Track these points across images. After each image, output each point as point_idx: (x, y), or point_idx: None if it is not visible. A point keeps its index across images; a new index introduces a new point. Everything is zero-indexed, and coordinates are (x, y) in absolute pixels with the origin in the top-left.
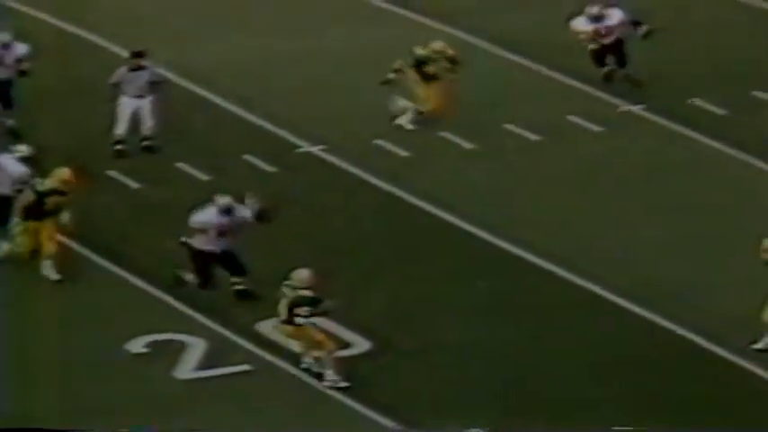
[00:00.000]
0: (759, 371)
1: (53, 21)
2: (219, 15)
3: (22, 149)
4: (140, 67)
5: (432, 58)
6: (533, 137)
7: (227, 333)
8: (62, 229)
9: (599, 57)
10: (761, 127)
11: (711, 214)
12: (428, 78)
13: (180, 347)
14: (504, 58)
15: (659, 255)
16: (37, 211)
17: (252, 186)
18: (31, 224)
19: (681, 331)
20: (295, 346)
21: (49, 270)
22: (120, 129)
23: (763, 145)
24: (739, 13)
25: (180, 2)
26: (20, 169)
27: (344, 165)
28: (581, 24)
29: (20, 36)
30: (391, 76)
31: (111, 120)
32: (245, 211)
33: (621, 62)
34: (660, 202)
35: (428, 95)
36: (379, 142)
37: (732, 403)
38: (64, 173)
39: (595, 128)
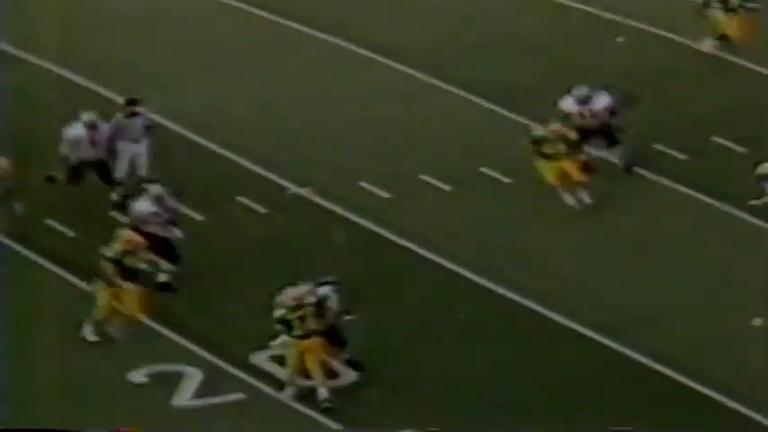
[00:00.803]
0: (713, 393)
1: (49, 66)
2: (208, 63)
3: (156, 189)
4: (135, 114)
5: (548, 138)
6: (506, 179)
7: (222, 364)
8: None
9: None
10: (719, 170)
11: (672, 250)
12: (547, 157)
13: (178, 377)
14: (476, 104)
15: (623, 287)
16: (121, 274)
17: (245, 226)
18: (112, 290)
19: (641, 358)
20: (284, 373)
21: (116, 330)
22: (120, 172)
23: (720, 187)
24: (699, 62)
25: (170, 50)
26: (148, 208)
27: (331, 205)
28: (567, 105)
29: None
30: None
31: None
32: (327, 291)
33: (612, 143)
34: (624, 239)
35: (550, 171)
36: (364, 184)
37: (691, 426)
38: (126, 234)
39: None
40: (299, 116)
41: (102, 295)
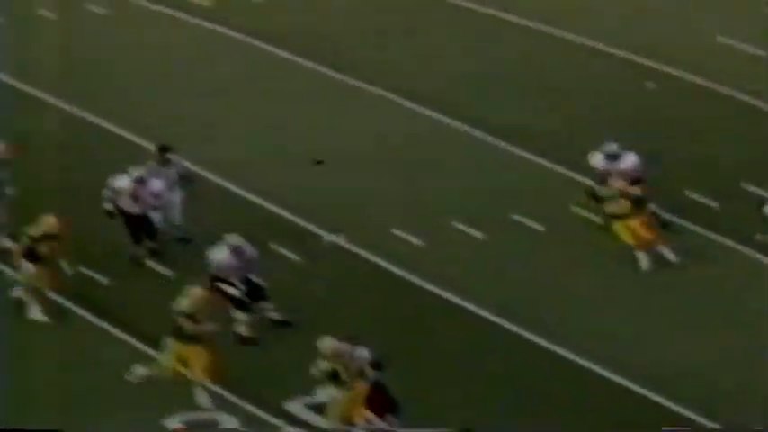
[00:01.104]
0: None
1: (78, 113)
2: (241, 110)
3: (234, 239)
4: (168, 161)
5: (606, 197)
6: (539, 227)
7: (257, 411)
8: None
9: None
10: (749, 217)
11: (703, 297)
12: (616, 217)
13: (213, 424)
14: (508, 151)
15: (658, 335)
16: (195, 330)
17: (277, 272)
18: (179, 346)
19: (675, 406)
20: (327, 422)
21: (202, 397)
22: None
23: (750, 234)
24: (728, 110)
25: (203, 97)
26: (225, 259)
27: (363, 252)
28: (597, 161)
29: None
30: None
31: None
32: (364, 352)
33: (638, 200)
34: (658, 286)
35: (623, 231)
36: (396, 232)
37: None
38: (197, 291)
39: (596, 218)
40: (331, 163)
41: (169, 353)
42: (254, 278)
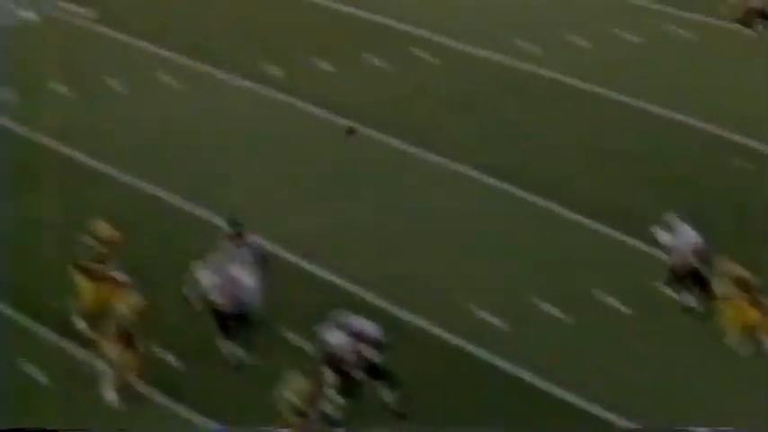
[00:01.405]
0: None
1: (147, 187)
2: (314, 185)
3: (351, 320)
4: (242, 240)
5: (715, 278)
6: (625, 309)
7: None
8: None
9: (674, 278)
10: None
11: None
12: (718, 299)
13: None
14: (589, 228)
15: (755, 423)
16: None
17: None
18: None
19: None
20: None
21: None
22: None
23: None
24: None
25: (275, 173)
26: (342, 342)
27: (445, 334)
28: (660, 237)
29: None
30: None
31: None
32: None
33: (704, 288)
34: (757, 373)
35: (728, 315)
36: (478, 312)
37: None
38: (299, 381)
39: (688, 299)
40: (407, 240)
41: None
42: (375, 358)
